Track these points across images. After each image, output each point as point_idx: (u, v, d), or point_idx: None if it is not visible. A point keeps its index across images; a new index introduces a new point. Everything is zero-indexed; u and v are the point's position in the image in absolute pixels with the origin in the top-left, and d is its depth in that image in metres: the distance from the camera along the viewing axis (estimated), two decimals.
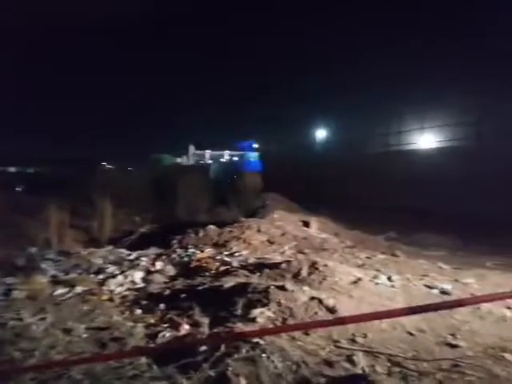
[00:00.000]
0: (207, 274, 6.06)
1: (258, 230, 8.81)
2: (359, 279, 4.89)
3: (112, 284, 5.84)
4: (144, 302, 5.02)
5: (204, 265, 6.63)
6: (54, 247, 8.74)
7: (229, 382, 2.80)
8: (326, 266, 5.23)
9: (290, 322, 3.82)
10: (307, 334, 3.49)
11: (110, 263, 7.26)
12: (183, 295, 5.03)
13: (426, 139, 17.85)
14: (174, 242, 8.71)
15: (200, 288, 5.24)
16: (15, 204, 10.84)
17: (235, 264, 6.50)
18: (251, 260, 6.73)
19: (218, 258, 7.10)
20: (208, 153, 35.62)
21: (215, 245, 8.18)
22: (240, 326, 3.70)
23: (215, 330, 3.82)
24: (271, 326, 3.77)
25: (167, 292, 5.36)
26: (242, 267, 6.12)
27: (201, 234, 8.92)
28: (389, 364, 3.04)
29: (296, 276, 5.09)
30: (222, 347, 3.20)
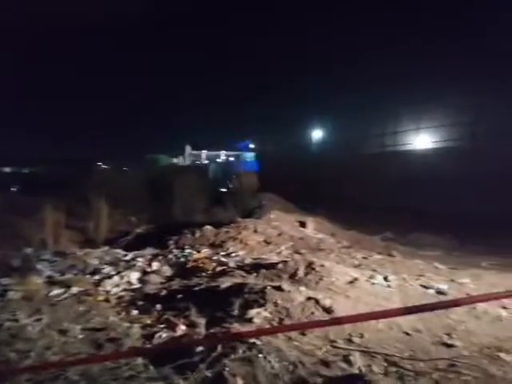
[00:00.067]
0: (204, 274, 6.06)
1: (255, 231, 8.81)
2: (356, 279, 4.90)
3: (108, 285, 5.82)
4: (140, 303, 5.00)
5: (200, 265, 6.62)
6: (49, 248, 8.70)
7: (225, 383, 2.80)
8: (322, 266, 5.24)
9: (287, 322, 3.82)
10: (304, 334, 3.50)
11: (106, 264, 7.24)
12: (180, 296, 5.02)
13: (422, 139, 17.92)
14: (171, 242, 8.69)
15: (196, 288, 5.23)
16: (10, 204, 10.76)
17: (232, 264, 6.50)
18: (248, 260, 6.73)
19: (215, 258, 7.09)
20: (204, 153, 35.62)
21: (212, 245, 8.18)
22: (237, 327, 3.70)
23: (212, 331, 3.82)
24: (268, 326, 3.77)
25: (164, 292, 5.35)
26: (239, 267, 6.12)
27: (197, 234, 8.91)
28: (385, 364, 3.05)
29: (292, 276, 5.09)
30: (219, 347, 3.19)
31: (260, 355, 3.06)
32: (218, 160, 33.31)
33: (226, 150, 35.13)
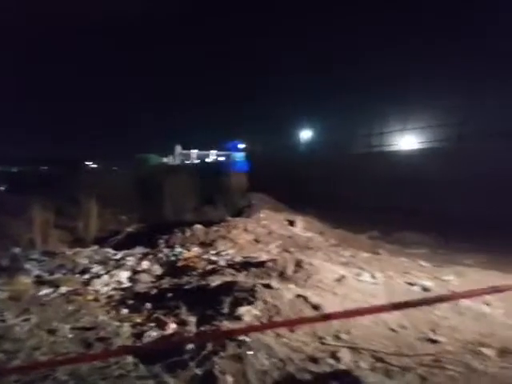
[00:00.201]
0: (194, 273, 6.08)
1: (245, 230, 8.86)
2: (343, 277, 4.98)
3: (97, 284, 5.81)
4: (130, 302, 5.01)
5: (191, 264, 6.64)
6: (38, 247, 8.62)
7: (215, 380, 2.83)
8: (310, 264, 5.30)
9: (276, 319, 3.87)
10: (292, 331, 3.55)
11: (96, 263, 7.21)
12: (170, 294, 5.03)
13: (409, 140, 18.17)
14: (161, 241, 8.68)
15: (187, 287, 5.25)
16: None
17: (222, 263, 6.53)
18: (238, 259, 6.77)
19: (205, 257, 7.11)
20: (194, 153, 35.50)
21: (202, 244, 8.20)
22: (226, 325, 3.74)
23: (202, 329, 3.84)
24: (257, 323, 3.81)
25: (154, 291, 5.36)
26: (229, 266, 6.15)
27: (187, 233, 8.92)
28: (372, 360, 3.11)
29: (282, 274, 5.15)
30: (209, 345, 3.23)
31: (249, 352, 3.10)
32: (207, 160, 33.26)
33: (216, 150, 35.08)
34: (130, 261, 7.18)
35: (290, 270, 5.18)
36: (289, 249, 7.63)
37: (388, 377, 2.86)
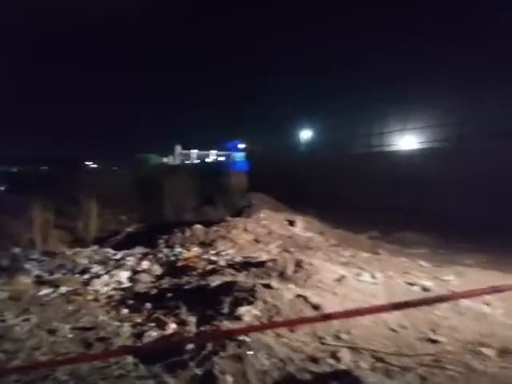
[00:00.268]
0: (194, 273, 6.08)
1: (245, 230, 8.86)
2: (343, 277, 4.98)
3: (97, 284, 5.81)
4: (130, 302, 5.01)
5: (191, 264, 6.64)
6: (38, 247, 8.63)
7: (215, 380, 2.83)
8: (310, 264, 5.30)
9: (277, 319, 3.87)
10: (293, 331, 3.55)
11: (96, 263, 7.21)
12: (170, 294, 5.03)
13: (409, 140, 18.17)
14: (161, 241, 8.69)
15: (187, 287, 5.26)
16: None
17: (222, 263, 6.53)
18: (237, 259, 6.77)
19: (205, 257, 7.12)
20: (194, 153, 35.48)
21: (202, 244, 8.20)
22: (226, 325, 3.74)
23: (202, 329, 3.84)
24: (257, 323, 3.81)
25: (154, 291, 5.36)
26: (229, 266, 6.15)
27: (187, 233, 8.92)
28: (372, 360, 3.11)
29: (282, 274, 5.15)
30: (209, 346, 3.23)
31: (249, 352, 3.10)
32: (207, 160, 33.26)
33: (216, 150, 35.07)
34: (130, 261, 7.19)
35: (289, 270, 5.18)
36: (289, 249, 7.63)
37: (388, 377, 2.86)
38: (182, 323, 4.08)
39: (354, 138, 20.09)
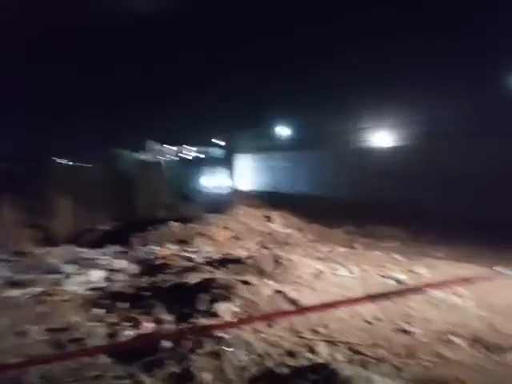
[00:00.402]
0: (171, 271, 6.00)
1: (222, 226, 8.83)
2: (321, 272, 5.04)
3: (70, 284, 5.64)
4: (105, 302, 4.88)
5: (167, 262, 6.55)
6: (7, 247, 8.28)
7: (193, 378, 2.80)
8: (289, 260, 5.34)
9: (255, 315, 3.86)
10: (271, 326, 3.56)
11: (68, 262, 6.99)
12: (146, 293, 4.94)
13: (382, 137, 18.52)
14: (136, 239, 8.53)
15: (163, 285, 5.18)
16: None
17: (199, 260, 6.48)
18: (216, 256, 6.74)
19: (182, 254, 7.04)
20: (169, 148, 34.92)
21: (179, 241, 8.11)
22: (204, 322, 3.71)
23: (179, 327, 3.80)
24: (236, 320, 3.80)
25: (129, 290, 5.25)
26: (207, 263, 6.11)
27: (164, 230, 8.80)
28: (349, 352, 3.16)
29: (260, 270, 5.16)
30: (186, 343, 3.19)
31: (228, 349, 3.09)
32: (183, 156, 32.84)
33: (193, 146, 34.66)
34: (104, 260, 7.02)
35: (268, 266, 5.20)
36: (267, 245, 7.67)
37: (364, 368, 2.91)
38: (158, 322, 4.02)
39: (329, 134, 20.31)
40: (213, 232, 8.40)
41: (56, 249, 8.25)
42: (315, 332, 3.51)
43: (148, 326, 3.94)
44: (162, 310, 4.28)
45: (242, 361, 2.98)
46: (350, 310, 3.81)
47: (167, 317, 4.10)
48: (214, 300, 4.16)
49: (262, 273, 5.07)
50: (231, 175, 18.22)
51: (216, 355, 3.02)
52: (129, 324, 4.05)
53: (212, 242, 7.90)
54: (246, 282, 4.50)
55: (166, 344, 3.27)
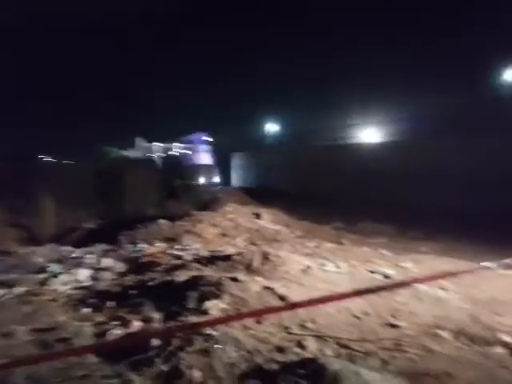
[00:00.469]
0: (159, 268, 5.96)
1: (211, 223, 8.81)
2: (309, 267, 5.07)
3: (56, 283, 5.56)
4: (91, 301, 4.83)
5: (155, 260, 6.51)
6: None
7: (182, 376, 2.79)
8: (277, 256, 5.35)
9: (244, 312, 3.87)
10: (260, 322, 3.57)
11: (53, 262, 6.90)
12: (134, 292, 4.91)
13: (371, 134, 18.70)
14: (123, 237, 8.45)
15: (151, 283, 5.14)
16: None
17: (188, 258, 6.45)
18: (204, 253, 6.72)
19: (170, 252, 7.00)
20: (157, 145, 34.48)
21: (167, 239, 8.06)
22: (193, 319, 3.70)
23: (168, 325, 3.78)
24: (224, 316, 3.80)
25: (116, 289, 5.20)
26: (195, 260, 6.09)
27: (151, 228, 8.74)
28: (337, 346, 3.19)
29: (249, 267, 5.16)
30: (175, 341, 3.18)
31: (217, 346, 3.08)
32: (171, 153, 32.48)
33: (180, 143, 34.30)
34: (90, 258, 6.94)
35: (256, 263, 5.20)
36: (256, 241, 7.67)
37: (352, 362, 2.94)
38: (146, 320, 3.99)
39: (318, 130, 20.39)
40: (201, 229, 8.37)
41: (41, 248, 8.13)
42: (303, 327, 3.53)
43: (136, 325, 3.92)
44: (150, 308, 4.26)
45: (232, 357, 2.98)
46: (338, 305, 3.84)
47: (155, 315, 4.07)
48: (202, 297, 4.15)
49: (250, 269, 5.08)
50: (220, 172, 18.14)
51: (205, 352, 3.01)
52: (116, 323, 4.01)
53: (200, 239, 7.87)
54: (234, 279, 4.50)
55: (155, 342, 3.25)
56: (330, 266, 5.35)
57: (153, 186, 13.78)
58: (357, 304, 3.91)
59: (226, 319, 3.61)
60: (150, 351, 3.13)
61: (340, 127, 19.39)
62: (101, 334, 3.78)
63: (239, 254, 5.78)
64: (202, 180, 15.80)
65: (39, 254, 7.47)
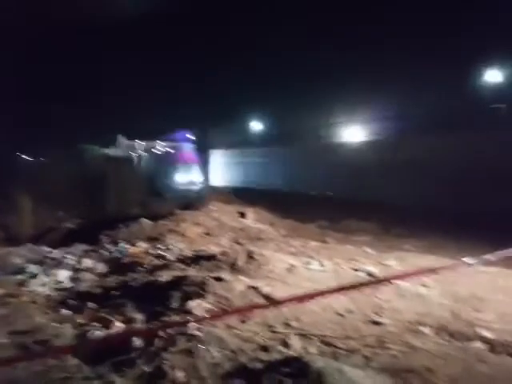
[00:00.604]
0: (141, 269, 5.88)
1: (194, 222, 8.74)
2: (293, 266, 5.07)
3: (34, 284, 5.43)
4: (71, 302, 4.73)
5: (137, 260, 6.42)
6: None
7: (165, 376, 2.75)
8: (261, 255, 5.35)
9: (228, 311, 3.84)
10: (244, 321, 3.55)
11: (31, 262, 6.72)
12: (115, 292, 4.82)
13: (354, 132, 18.88)
14: (104, 237, 8.30)
15: (133, 284, 5.07)
16: None
17: (171, 257, 6.38)
18: (187, 253, 6.66)
19: (153, 252, 6.92)
20: (139, 143, 34.00)
21: (149, 239, 7.95)
22: (176, 319, 3.65)
23: (150, 326, 3.73)
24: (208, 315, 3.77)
25: (97, 290, 5.11)
26: (178, 260, 6.03)
27: (133, 228, 8.61)
28: (321, 344, 3.20)
29: (233, 266, 5.14)
30: (158, 342, 3.14)
31: (200, 346, 3.05)
32: (154, 151, 32.09)
33: (163, 141, 33.91)
34: (70, 259, 6.80)
35: (241, 262, 5.18)
36: (240, 240, 7.64)
37: (335, 359, 2.96)
38: (128, 321, 3.93)
39: (303, 129, 20.48)
40: (185, 229, 8.29)
41: (19, 248, 7.91)
42: (288, 326, 3.53)
43: (118, 326, 3.85)
44: (132, 309, 4.19)
45: (215, 357, 2.95)
46: (322, 303, 3.86)
47: (138, 316, 4.01)
48: (185, 297, 4.10)
49: (234, 269, 5.05)
50: (204, 171, 18.01)
51: (189, 352, 2.98)
52: (98, 324, 3.94)
53: (184, 238, 7.80)
54: (218, 279, 4.47)
55: (137, 343, 3.20)
56: (315, 265, 5.37)
57: (135, 185, 13.58)
58: (341, 302, 3.93)
59: (209, 318, 3.58)
60: (132, 352, 3.08)
61: (324, 126, 19.53)
62: (82, 336, 3.70)
63: (223, 253, 5.75)
64: (185, 178, 15.65)
65: (17, 255, 7.27)
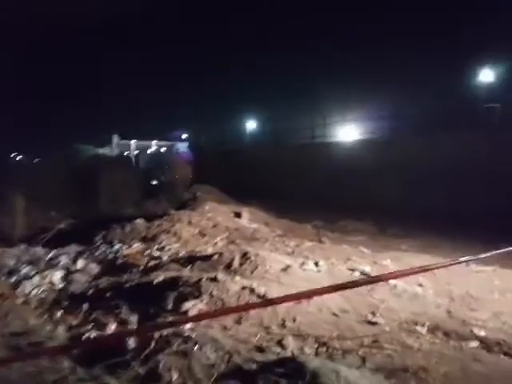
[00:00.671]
0: (135, 270, 5.84)
1: (189, 223, 8.68)
2: (289, 266, 5.06)
3: (27, 286, 5.37)
4: (65, 304, 4.70)
5: (132, 261, 6.37)
6: None
7: (160, 378, 2.73)
8: (257, 255, 5.32)
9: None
10: (239, 322, 3.54)
11: (24, 263, 6.66)
12: (109, 294, 4.79)
13: (348, 131, 18.90)
14: (98, 237, 8.22)
15: (127, 285, 5.02)
16: None
17: (165, 258, 6.35)
18: (182, 253, 6.62)
19: (147, 252, 6.86)
20: (134, 143, 33.88)
21: (144, 239, 7.89)
22: (171, 320, 3.63)
23: (144, 327, 3.70)
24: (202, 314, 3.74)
25: (91, 291, 5.07)
26: (173, 261, 5.99)
27: (127, 228, 8.53)
28: (316, 345, 3.20)
29: (228, 267, 5.12)
30: (152, 343, 3.11)
31: (195, 347, 3.03)
32: (148, 150, 32.00)
33: (158, 140, 33.78)
34: (64, 260, 6.73)
35: (236, 262, 5.16)
36: (235, 241, 7.60)
37: (331, 360, 2.95)
38: (122, 323, 3.90)
39: (297, 129, 20.48)
40: (179, 229, 8.24)
41: (12, 249, 7.83)
42: (283, 326, 3.52)
43: (111, 327, 3.82)
44: (126, 310, 4.16)
45: (210, 359, 2.94)
46: (317, 303, 3.85)
47: (132, 317, 3.99)
48: (180, 298, 4.08)
49: (229, 269, 5.03)
50: (198, 170, 17.97)
51: (183, 354, 2.96)
52: (91, 325, 3.91)
53: (178, 239, 7.74)
54: (213, 279, 4.44)
55: (132, 344, 3.18)
56: (310, 265, 5.36)
57: (130, 185, 13.52)
58: (336, 302, 3.93)
59: (203, 317, 3.55)
60: (127, 354, 3.05)
61: (319, 125, 19.53)
62: (75, 337, 3.67)
63: (218, 253, 5.72)
64: (179, 178, 15.60)
65: (10, 256, 7.19)
